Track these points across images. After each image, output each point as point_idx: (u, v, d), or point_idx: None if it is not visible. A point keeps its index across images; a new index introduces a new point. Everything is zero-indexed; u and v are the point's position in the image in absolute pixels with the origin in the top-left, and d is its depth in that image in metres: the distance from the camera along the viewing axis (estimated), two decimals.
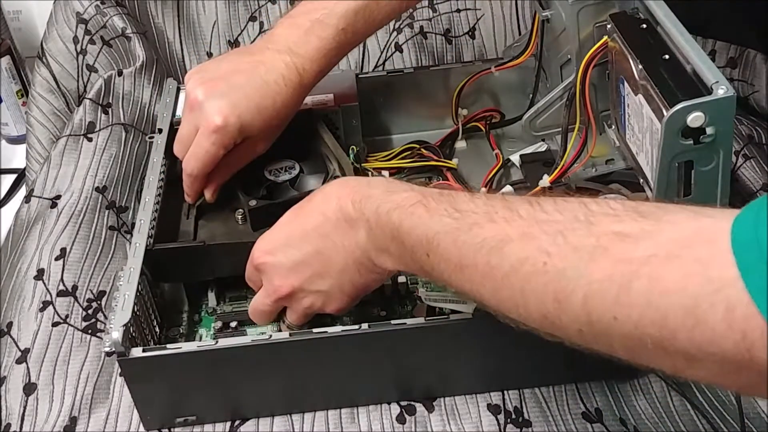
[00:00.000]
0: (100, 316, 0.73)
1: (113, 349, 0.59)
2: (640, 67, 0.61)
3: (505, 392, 0.66)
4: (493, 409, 0.65)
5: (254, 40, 1.02)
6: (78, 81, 0.96)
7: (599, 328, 0.41)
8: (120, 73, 0.94)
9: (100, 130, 0.90)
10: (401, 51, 0.99)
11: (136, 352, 0.60)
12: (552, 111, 0.79)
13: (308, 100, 0.78)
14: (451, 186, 0.81)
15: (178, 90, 0.84)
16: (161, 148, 0.76)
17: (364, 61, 0.99)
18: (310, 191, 0.71)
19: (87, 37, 0.97)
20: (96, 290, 0.75)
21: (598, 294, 0.40)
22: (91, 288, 0.75)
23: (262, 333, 0.65)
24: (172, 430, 0.65)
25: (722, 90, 0.55)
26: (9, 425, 0.65)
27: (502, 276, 0.45)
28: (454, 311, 0.63)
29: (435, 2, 1.00)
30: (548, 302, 0.43)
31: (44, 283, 0.75)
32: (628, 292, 0.39)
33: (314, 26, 0.69)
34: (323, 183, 0.73)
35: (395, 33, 0.99)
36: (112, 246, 0.80)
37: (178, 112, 0.81)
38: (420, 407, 0.66)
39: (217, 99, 0.67)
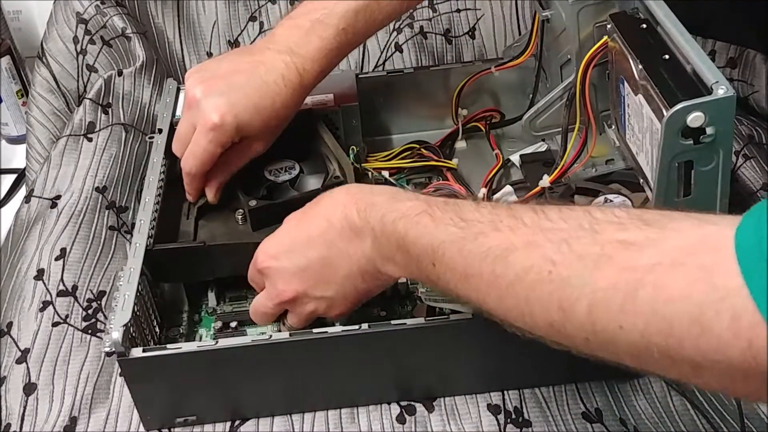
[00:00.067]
0: (100, 316, 0.73)
1: (113, 349, 0.59)
2: (640, 67, 0.61)
3: (505, 392, 0.66)
4: (493, 409, 0.65)
5: (254, 40, 1.02)
6: (78, 81, 0.96)
7: (605, 337, 0.41)
8: (120, 73, 0.94)
9: (100, 130, 0.90)
10: (401, 51, 0.99)
11: (136, 352, 0.60)
12: (552, 111, 0.79)
13: (308, 100, 0.78)
14: (451, 186, 0.81)
15: (178, 90, 0.84)
16: (161, 148, 0.76)
17: (364, 61, 0.99)
18: (311, 191, 0.72)
19: (87, 37, 0.97)
20: (96, 290, 0.75)
21: (603, 302, 0.40)
22: (91, 288, 0.75)
23: (263, 333, 0.65)
24: (172, 430, 0.65)
25: (722, 90, 0.55)
26: (9, 425, 0.65)
27: (507, 285, 0.45)
28: (454, 311, 0.63)
29: (435, 2, 1.00)
30: (553, 311, 0.43)
31: (44, 283, 0.75)
32: (633, 301, 0.39)
33: (315, 26, 0.69)
34: (323, 183, 0.73)
35: (395, 33, 0.99)
36: (112, 246, 0.80)
37: (178, 112, 0.81)
38: (420, 407, 0.66)
39: (215, 97, 0.67)
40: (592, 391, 0.66)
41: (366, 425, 0.65)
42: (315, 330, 0.62)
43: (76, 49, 0.96)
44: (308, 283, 0.60)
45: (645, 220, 0.41)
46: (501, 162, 0.85)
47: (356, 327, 0.61)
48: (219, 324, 0.71)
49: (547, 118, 0.79)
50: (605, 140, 0.76)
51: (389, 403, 0.66)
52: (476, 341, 0.63)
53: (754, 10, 0.84)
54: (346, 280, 0.58)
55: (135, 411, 0.65)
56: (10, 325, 0.72)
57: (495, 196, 0.81)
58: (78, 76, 0.96)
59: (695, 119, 0.55)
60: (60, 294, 0.74)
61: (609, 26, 0.67)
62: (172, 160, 0.75)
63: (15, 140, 1.04)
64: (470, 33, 1.00)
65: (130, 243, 0.70)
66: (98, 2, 0.98)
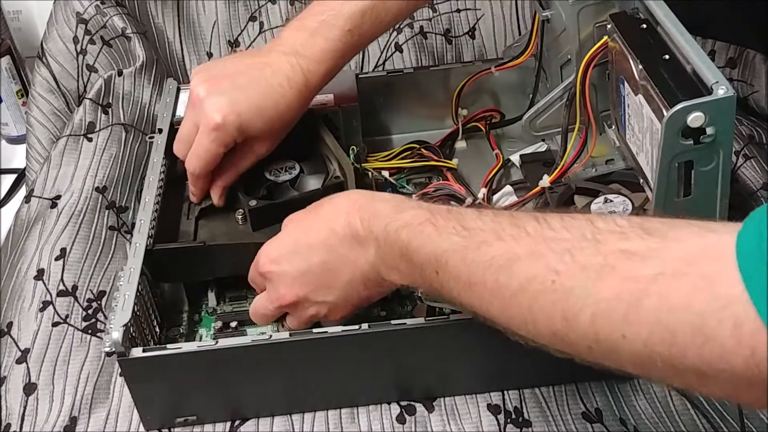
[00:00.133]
0: (100, 316, 0.73)
1: (113, 350, 0.59)
2: (640, 67, 0.61)
3: (505, 392, 0.66)
4: (493, 409, 0.65)
5: (254, 40, 1.02)
6: (78, 81, 0.96)
7: (608, 346, 0.41)
8: (120, 73, 0.94)
9: (100, 130, 0.90)
10: (401, 51, 0.99)
11: (137, 352, 0.60)
12: (552, 111, 0.79)
13: None
14: (451, 186, 0.81)
15: (178, 90, 0.84)
16: (161, 148, 0.76)
17: (364, 61, 0.99)
18: (311, 191, 0.72)
19: (87, 37, 0.97)
20: (96, 290, 0.75)
21: (606, 312, 0.41)
22: (91, 288, 0.75)
23: (263, 333, 0.66)
24: (172, 430, 0.65)
25: (722, 90, 0.55)
26: (9, 425, 0.65)
27: (511, 294, 0.45)
28: (454, 311, 0.63)
29: (435, 2, 1.00)
30: (557, 320, 0.43)
31: (44, 283, 0.75)
32: (636, 311, 0.39)
33: (321, 28, 0.69)
34: (323, 183, 0.73)
35: (395, 33, 0.99)
36: (112, 246, 0.80)
37: (179, 112, 0.81)
38: (420, 407, 0.66)
39: (218, 96, 0.67)
40: (592, 391, 0.66)
41: (366, 425, 0.65)
42: (315, 330, 0.62)
43: (76, 49, 0.96)
44: (310, 288, 0.60)
45: (646, 229, 0.42)
46: (501, 162, 0.85)
47: (356, 327, 0.61)
48: (219, 324, 0.71)
49: (547, 118, 0.79)
50: (605, 140, 0.76)
51: (389, 403, 0.66)
52: (476, 341, 0.63)
53: (754, 10, 0.84)
54: (348, 285, 0.59)
55: (135, 411, 0.65)
56: (10, 325, 0.72)
57: (495, 196, 0.81)
58: (78, 76, 0.96)
59: (695, 119, 0.55)
60: (60, 294, 0.74)
61: (609, 26, 0.68)
62: (172, 160, 0.75)
63: (15, 140, 1.04)
64: (470, 33, 1.00)
65: (130, 243, 0.70)
66: (98, 2, 0.98)
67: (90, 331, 0.72)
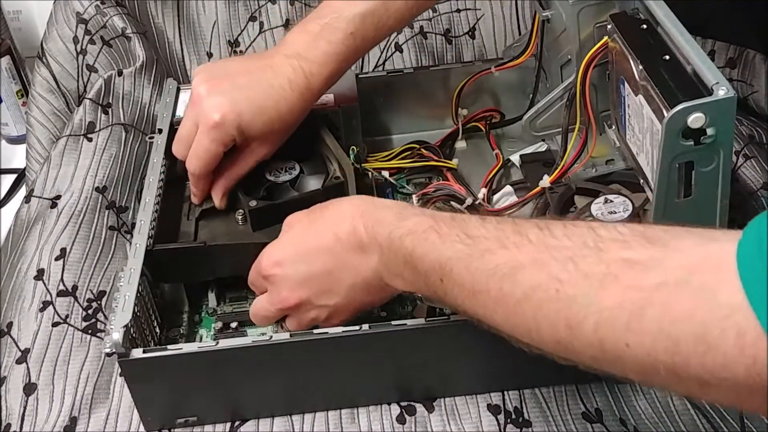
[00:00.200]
0: (100, 316, 0.73)
1: (114, 350, 0.59)
2: (641, 67, 0.62)
3: (505, 392, 0.66)
4: (493, 409, 0.65)
5: (254, 40, 1.02)
6: (78, 81, 0.96)
7: (612, 355, 0.41)
8: (120, 73, 0.94)
9: (100, 130, 0.90)
10: (401, 51, 0.99)
11: (137, 352, 0.60)
12: (552, 111, 0.79)
13: None
14: (451, 186, 0.81)
15: (178, 90, 0.84)
16: (161, 149, 0.76)
17: (364, 61, 0.99)
18: (311, 192, 0.72)
19: (87, 37, 0.97)
20: (96, 290, 0.75)
21: (610, 321, 0.41)
22: (91, 288, 0.75)
23: (263, 334, 0.66)
24: (172, 430, 0.65)
25: (723, 91, 0.55)
26: (9, 425, 0.65)
27: (515, 303, 0.45)
28: (454, 312, 0.63)
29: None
30: (561, 329, 0.43)
31: (44, 283, 0.75)
32: (639, 320, 0.39)
33: (323, 30, 0.69)
34: (323, 183, 0.73)
35: (395, 33, 0.99)
36: (112, 246, 0.80)
37: (179, 112, 0.81)
38: (420, 407, 0.66)
39: (218, 96, 0.67)
40: (592, 391, 0.66)
41: (366, 425, 0.65)
42: (315, 331, 0.62)
43: (76, 49, 0.96)
44: (312, 292, 0.60)
45: (648, 238, 0.42)
46: (501, 162, 0.85)
47: (357, 328, 0.61)
48: (219, 324, 0.71)
49: (548, 118, 0.79)
50: (605, 140, 0.76)
51: (389, 404, 0.66)
52: (476, 341, 0.63)
53: (754, 10, 0.84)
54: (351, 290, 0.59)
55: (135, 411, 0.65)
56: (10, 325, 0.72)
57: (495, 196, 0.81)
58: (78, 76, 0.96)
59: (696, 120, 0.56)
60: (60, 294, 0.74)
61: (609, 26, 0.68)
62: (172, 161, 0.75)
63: (15, 140, 1.04)
64: (470, 33, 1.00)
65: (130, 243, 0.70)
66: (98, 2, 0.98)
67: (90, 332, 0.72)
